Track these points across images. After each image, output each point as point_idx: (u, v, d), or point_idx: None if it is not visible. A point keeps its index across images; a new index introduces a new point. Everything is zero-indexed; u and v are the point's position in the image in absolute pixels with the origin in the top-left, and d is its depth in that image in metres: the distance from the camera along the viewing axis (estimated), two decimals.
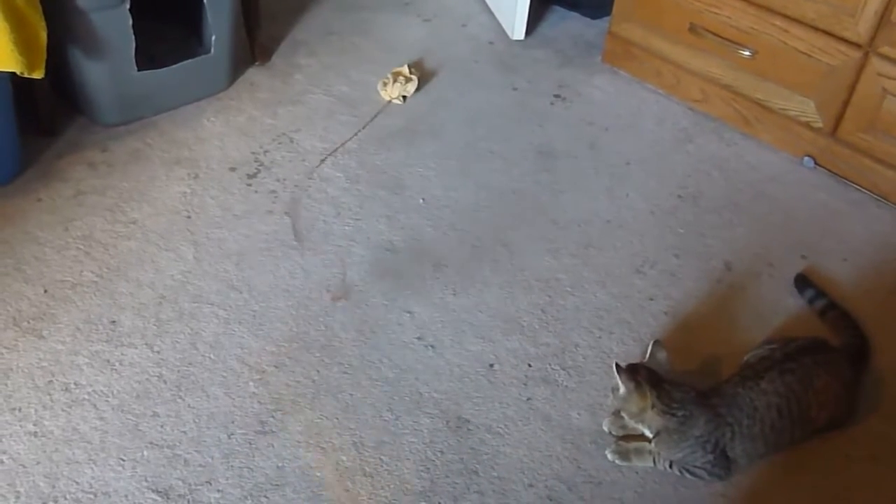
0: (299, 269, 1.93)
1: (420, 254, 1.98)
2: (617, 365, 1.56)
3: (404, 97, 2.38)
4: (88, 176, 2.11)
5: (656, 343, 1.62)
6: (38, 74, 1.90)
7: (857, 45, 2.03)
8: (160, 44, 2.28)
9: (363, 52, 2.58)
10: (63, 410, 1.63)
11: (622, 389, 1.55)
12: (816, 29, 2.08)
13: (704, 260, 2.00)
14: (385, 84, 2.39)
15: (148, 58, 2.18)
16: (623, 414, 1.58)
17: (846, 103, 2.11)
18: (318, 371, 1.73)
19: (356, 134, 2.23)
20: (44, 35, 1.89)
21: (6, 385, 1.67)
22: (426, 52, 2.59)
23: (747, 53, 2.21)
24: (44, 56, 1.90)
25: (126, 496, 1.52)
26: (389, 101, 2.37)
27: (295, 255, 1.96)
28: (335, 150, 2.22)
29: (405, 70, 2.43)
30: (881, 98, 2.04)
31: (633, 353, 1.78)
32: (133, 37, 2.09)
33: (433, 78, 2.50)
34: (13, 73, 1.87)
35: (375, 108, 2.38)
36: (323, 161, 2.19)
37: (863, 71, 2.04)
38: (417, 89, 2.41)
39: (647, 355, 1.62)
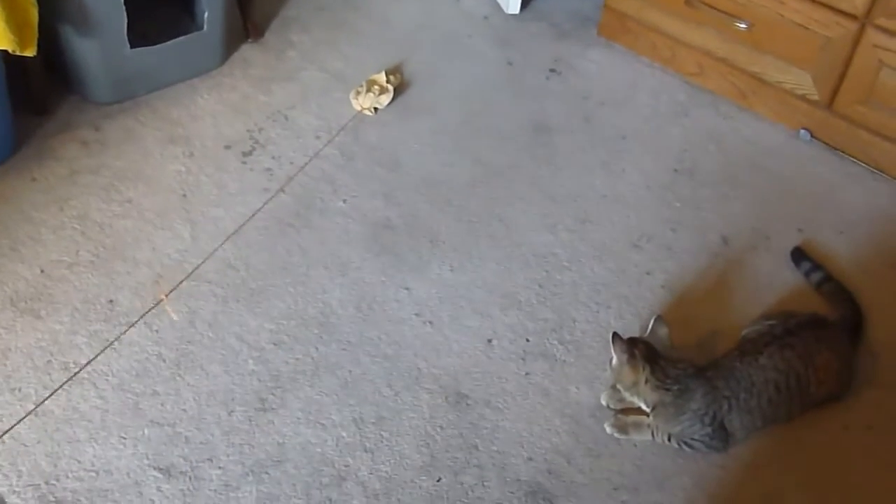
0: (296, 246, 1.93)
1: (417, 230, 1.98)
2: (614, 335, 1.57)
3: (376, 109, 2.27)
4: (82, 155, 2.10)
5: (657, 319, 1.63)
6: (30, 52, 1.88)
7: (854, 17, 2.02)
8: (152, 21, 2.25)
9: (356, 28, 2.56)
10: (63, 390, 1.64)
11: (616, 360, 1.56)
12: (813, 0, 2.07)
13: (701, 234, 2.00)
14: (358, 93, 2.29)
15: (140, 35, 2.15)
16: (618, 386, 1.60)
17: (842, 75, 2.10)
18: (316, 348, 1.74)
19: (326, 145, 2.21)
20: (35, 12, 1.87)
21: (5, 365, 1.67)
22: (420, 26, 2.57)
23: (743, 26, 2.20)
24: (35, 34, 1.88)
25: (128, 474, 1.53)
26: (360, 112, 2.26)
27: (291, 233, 1.95)
28: (331, 129, 2.22)
29: (381, 78, 2.30)
30: (877, 70, 2.03)
31: (631, 326, 1.79)
32: (125, 14, 2.06)
33: (428, 53, 2.48)
34: (5, 52, 1.86)
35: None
36: (318, 138, 2.19)
37: (859, 43, 2.04)
38: (395, 96, 2.28)
39: (648, 330, 1.63)
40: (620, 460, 1.59)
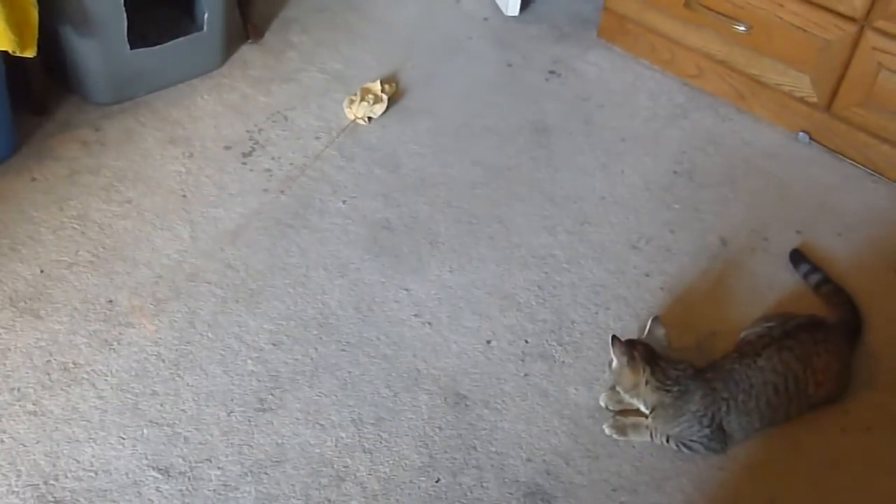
0: (295, 247, 1.93)
1: (416, 231, 1.98)
2: (614, 338, 1.57)
3: (370, 118, 2.23)
4: (82, 155, 2.10)
5: (655, 319, 1.63)
6: (30, 53, 1.88)
7: (853, 20, 2.03)
8: (152, 22, 2.26)
9: (356, 29, 2.56)
10: (62, 390, 1.64)
11: (615, 363, 1.57)
12: (811, 3, 2.07)
13: (700, 235, 2.00)
14: (352, 101, 2.24)
15: (140, 36, 2.16)
16: (618, 388, 1.60)
17: (841, 78, 2.11)
18: (315, 349, 1.74)
19: (323, 149, 2.21)
20: (35, 13, 1.87)
21: (4, 365, 1.67)
22: (420, 28, 2.58)
23: (742, 28, 2.20)
24: (35, 34, 1.88)
25: (127, 474, 1.53)
26: (354, 121, 2.22)
27: (291, 234, 1.96)
28: (331, 129, 2.22)
29: (376, 87, 2.28)
30: (876, 72, 2.04)
31: (630, 328, 1.79)
32: (125, 15, 2.07)
33: (427, 55, 2.49)
34: (5, 52, 1.86)
35: (370, 82, 2.36)
36: (318, 139, 2.19)
37: (858, 45, 2.04)
38: (390, 104, 2.26)
39: (646, 331, 1.63)
40: (619, 462, 1.59)
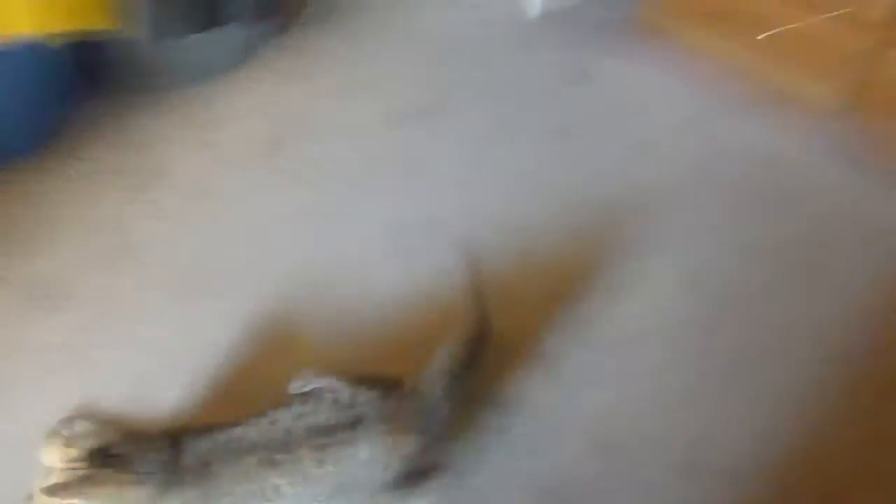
0: (321, 250, 1.93)
1: (437, 233, 1.99)
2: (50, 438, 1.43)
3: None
4: (106, 153, 2.13)
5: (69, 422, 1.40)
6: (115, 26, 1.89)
7: (877, 30, 2.01)
8: (178, 20, 2.28)
9: (379, 35, 2.57)
10: (80, 387, 1.66)
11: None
12: (836, 13, 2.06)
13: (719, 243, 1.99)
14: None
15: (166, 34, 2.18)
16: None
17: (865, 88, 2.09)
18: None
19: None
20: None
21: (21, 360, 1.69)
22: (442, 33, 2.58)
23: (765, 37, 2.19)
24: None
25: None
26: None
27: (315, 236, 1.97)
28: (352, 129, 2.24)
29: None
30: None
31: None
32: (153, 11, 2.09)
33: (449, 60, 2.49)
34: (37, 48, 1.87)
35: (394, 84, 2.36)
36: (342, 141, 2.21)
37: (882, 56, 2.03)
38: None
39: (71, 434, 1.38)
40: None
